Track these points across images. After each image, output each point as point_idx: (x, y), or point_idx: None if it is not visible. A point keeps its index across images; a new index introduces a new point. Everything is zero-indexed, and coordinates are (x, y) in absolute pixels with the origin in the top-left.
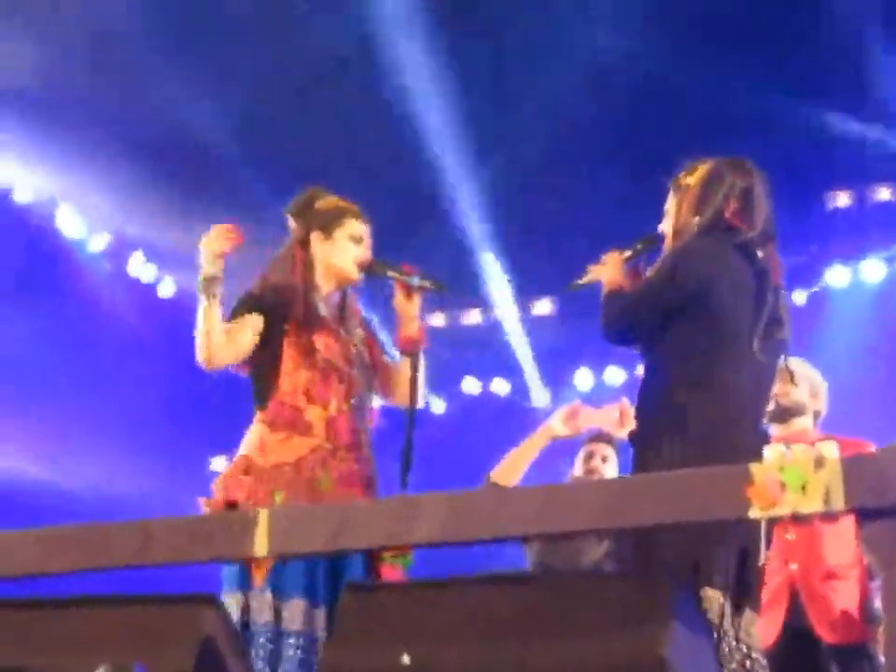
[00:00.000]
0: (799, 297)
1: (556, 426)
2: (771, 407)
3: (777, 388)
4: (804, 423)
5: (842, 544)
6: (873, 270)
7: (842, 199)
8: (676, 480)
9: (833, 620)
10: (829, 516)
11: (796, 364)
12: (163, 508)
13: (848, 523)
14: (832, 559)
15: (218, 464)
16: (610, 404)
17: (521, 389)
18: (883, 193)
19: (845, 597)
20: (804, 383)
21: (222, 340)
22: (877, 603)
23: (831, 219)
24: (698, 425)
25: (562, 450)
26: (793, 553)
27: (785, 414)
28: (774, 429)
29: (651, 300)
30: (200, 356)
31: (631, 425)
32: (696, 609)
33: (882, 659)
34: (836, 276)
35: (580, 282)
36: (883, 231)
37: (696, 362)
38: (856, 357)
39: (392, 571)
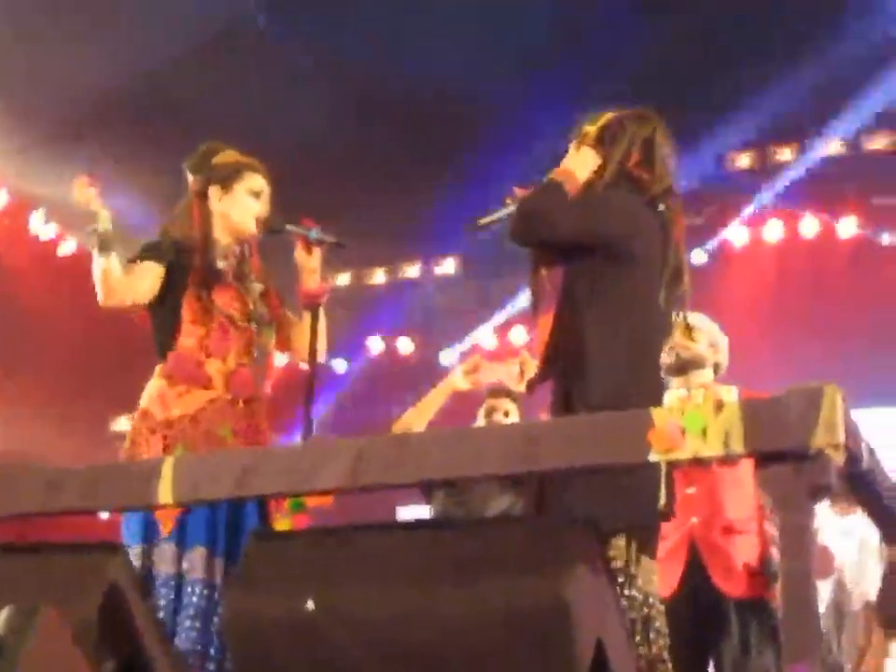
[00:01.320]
0: (698, 255)
1: (457, 380)
2: (670, 360)
3: (675, 341)
4: (703, 375)
5: (742, 498)
6: (772, 228)
7: (742, 158)
8: (578, 424)
9: (732, 573)
10: (728, 459)
11: (695, 318)
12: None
13: (748, 476)
14: (731, 513)
15: (120, 424)
16: (511, 358)
17: (425, 347)
18: (783, 153)
19: (744, 551)
20: (703, 336)
21: (121, 277)
22: (776, 557)
23: (732, 178)
24: (609, 376)
25: (463, 406)
26: (693, 506)
27: (685, 367)
28: (673, 382)
29: (583, 217)
30: (101, 297)
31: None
32: (599, 553)
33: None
34: (735, 234)
35: (488, 219)
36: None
37: (612, 311)
38: (755, 313)
39: (304, 520)
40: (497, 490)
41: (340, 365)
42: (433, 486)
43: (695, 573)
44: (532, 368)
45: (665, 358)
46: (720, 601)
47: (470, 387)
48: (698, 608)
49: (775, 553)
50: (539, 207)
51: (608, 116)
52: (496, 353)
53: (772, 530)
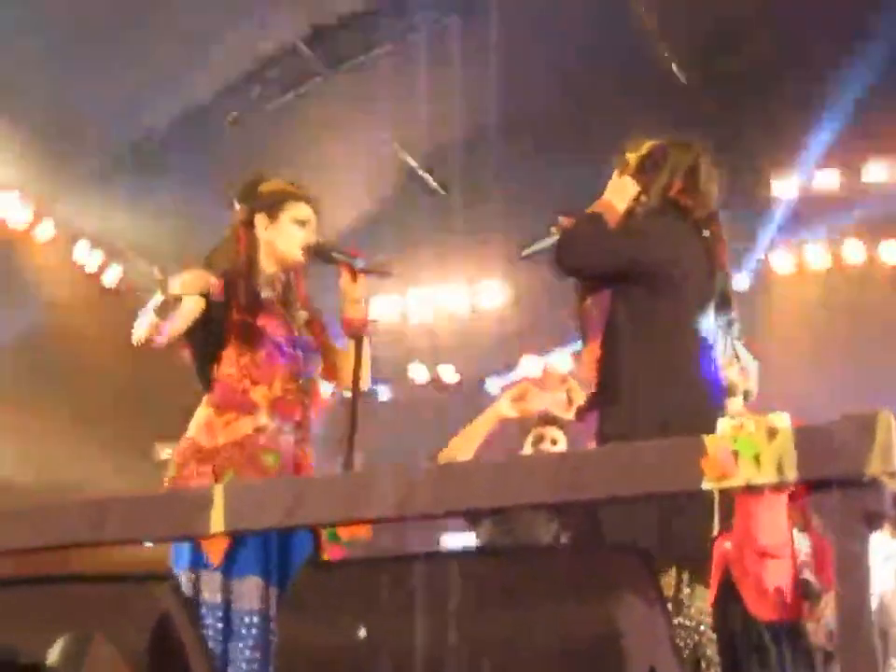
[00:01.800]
0: (742, 280)
1: (504, 407)
2: None
3: None
4: (735, 403)
5: (775, 523)
6: (816, 255)
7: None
8: (629, 452)
9: (765, 598)
10: (782, 486)
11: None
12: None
13: (781, 501)
14: (765, 538)
15: (166, 451)
16: (559, 386)
17: (469, 375)
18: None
19: (777, 575)
20: (734, 363)
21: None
22: (810, 577)
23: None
24: (657, 412)
25: (512, 434)
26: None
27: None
28: None
29: (624, 246)
30: (136, 339)
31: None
32: (651, 581)
33: (813, 637)
34: (780, 261)
35: (533, 248)
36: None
37: (652, 339)
38: (799, 341)
39: (339, 551)
40: (545, 519)
41: (383, 392)
42: (479, 515)
43: (728, 598)
44: (580, 395)
45: None
46: (753, 625)
47: (518, 415)
48: (732, 632)
49: (809, 575)
50: (579, 237)
51: (650, 144)
52: (543, 380)
53: (802, 553)
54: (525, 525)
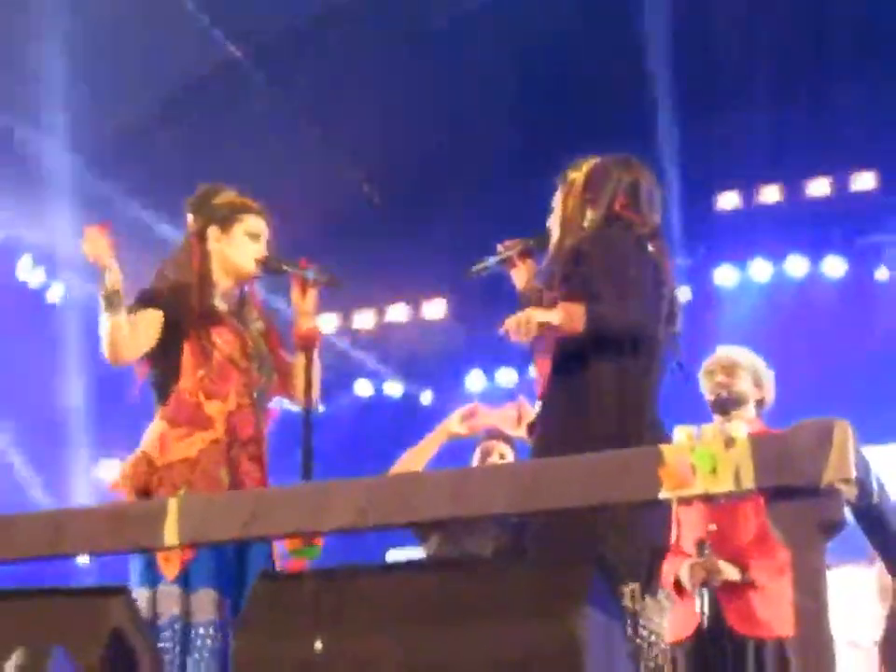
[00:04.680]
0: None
1: (453, 424)
2: (712, 398)
3: (720, 379)
4: (744, 413)
5: (763, 535)
6: (760, 269)
7: (730, 199)
8: (588, 462)
9: (746, 613)
10: (739, 496)
11: (739, 353)
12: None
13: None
14: (748, 551)
15: (106, 468)
16: (508, 403)
17: (414, 391)
18: (770, 194)
19: (760, 591)
20: (746, 373)
21: (127, 335)
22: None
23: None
24: (612, 421)
25: (459, 451)
26: (713, 544)
27: (726, 405)
28: (717, 420)
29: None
30: (106, 353)
31: (529, 419)
32: (607, 591)
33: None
34: (724, 276)
35: (480, 266)
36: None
37: (611, 356)
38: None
39: (297, 564)
40: (493, 534)
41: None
42: (428, 528)
43: (715, 612)
44: (530, 413)
45: (708, 396)
46: (739, 641)
47: (467, 433)
48: (718, 647)
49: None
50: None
51: (591, 162)
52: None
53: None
54: (474, 541)
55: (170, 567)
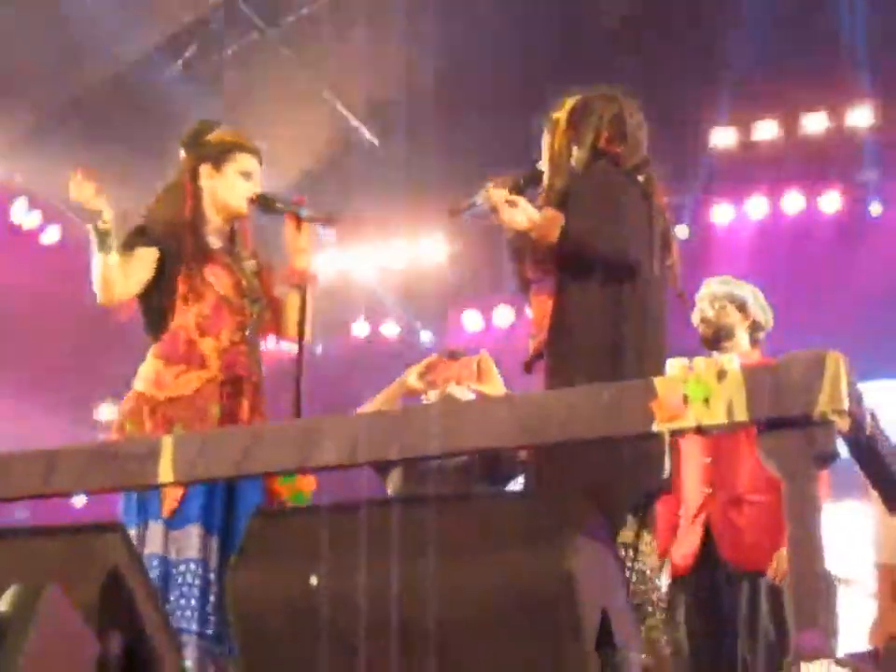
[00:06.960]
0: (682, 231)
1: (411, 379)
2: (701, 335)
3: (703, 314)
4: (737, 343)
5: (757, 469)
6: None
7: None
8: (581, 395)
9: (741, 545)
10: (732, 427)
11: (718, 285)
12: None
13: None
14: (743, 484)
15: (105, 411)
16: (468, 357)
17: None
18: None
19: (756, 523)
20: (727, 302)
21: (119, 276)
22: None
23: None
24: (610, 343)
25: None
26: (708, 476)
27: (715, 339)
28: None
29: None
30: (100, 295)
31: (490, 378)
32: (603, 525)
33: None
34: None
35: (466, 204)
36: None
37: (611, 286)
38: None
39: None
40: (457, 469)
41: (322, 347)
42: (389, 466)
43: (710, 544)
44: (491, 367)
45: (701, 335)
46: (734, 572)
47: (424, 388)
48: (714, 578)
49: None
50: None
51: (573, 99)
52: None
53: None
54: (437, 476)
55: (169, 505)
